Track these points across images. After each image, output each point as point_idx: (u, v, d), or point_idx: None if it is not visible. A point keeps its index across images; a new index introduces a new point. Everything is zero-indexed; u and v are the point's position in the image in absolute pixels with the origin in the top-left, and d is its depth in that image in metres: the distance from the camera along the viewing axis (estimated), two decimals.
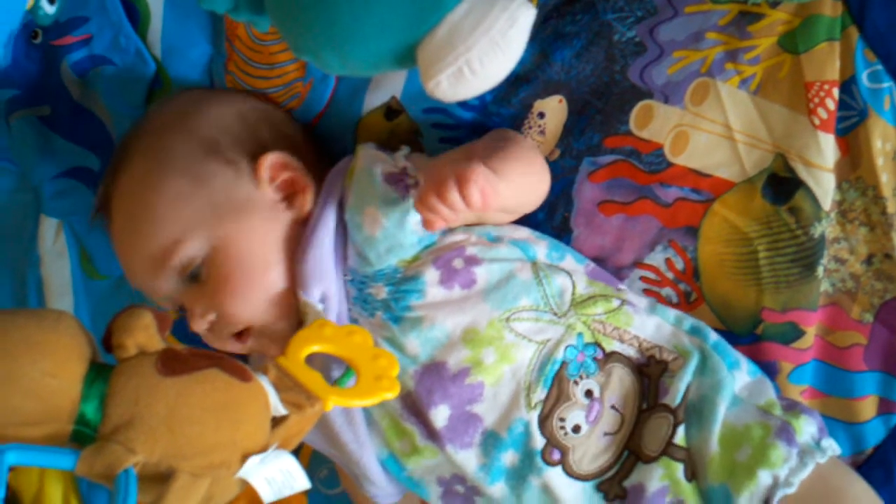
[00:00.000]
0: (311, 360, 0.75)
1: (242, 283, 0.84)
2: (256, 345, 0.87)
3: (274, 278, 0.85)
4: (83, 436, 0.63)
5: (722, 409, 0.82)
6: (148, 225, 0.85)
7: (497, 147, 0.84)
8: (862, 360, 0.89)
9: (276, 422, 0.69)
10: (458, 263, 0.84)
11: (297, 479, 0.67)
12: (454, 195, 0.74)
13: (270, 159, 0.86)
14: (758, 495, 0.79)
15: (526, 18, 0.67)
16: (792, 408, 0.85)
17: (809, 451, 0.82)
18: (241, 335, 0.86)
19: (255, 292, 0.84)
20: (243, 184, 0.86)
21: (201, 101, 0.92)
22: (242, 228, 0.84)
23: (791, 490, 0.80)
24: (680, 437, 0.82)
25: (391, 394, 0.74)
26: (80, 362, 0.64)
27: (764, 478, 0.80)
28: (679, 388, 0.83)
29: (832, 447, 0.83)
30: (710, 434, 0.82)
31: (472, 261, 0.84)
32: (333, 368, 0.81)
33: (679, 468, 0.82)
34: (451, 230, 0.86)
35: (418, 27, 0.66)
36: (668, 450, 0.82)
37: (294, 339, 0.75)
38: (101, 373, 0.64)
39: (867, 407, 0.89)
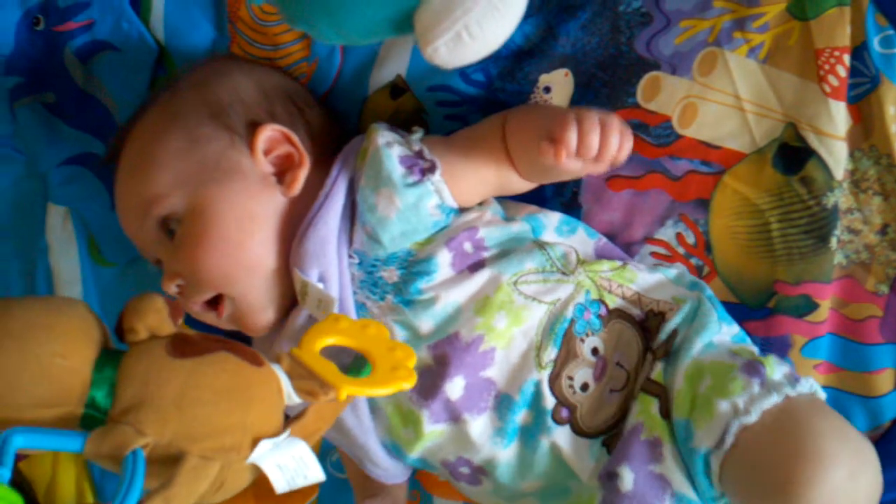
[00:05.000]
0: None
1: (210, 247, 0.82)
2: (230, 319, 0.86)
3: (254, 251, 0.83)
4: (94, 420, 0.62)
5: (697, 348, 0.81)
6: (143, 173, 0.85)
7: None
8: (878, 332, 0.88)
9: (293, 418, 0.68)
10: (468, 248, 0.83)
11: (311, 469, 0.66)
12: (594, 137, 0.76)
13: (268, 131, 0.85)
14: (716, 426, 0.75)
15: None
16: (766, 354, 0.81)
17: (777, 384, 0.76)
18: (214, 303, 0.85)
19: (225, 259, 0.82)
20: (236, 151, 0.85)
21: (225, 68, 0.92)
22: (222, 193, 0.83)
23: (750, 419, 0.74)
24: (657, 373, 0.82)
25: (407, 384, 0.72)
26: (91, 345, 0.64)
27: (722, 406, 0.75)
28: (666, 329, 0.83)
29: (812, 386, 0.78)
30: (679, 369, 0.80)
31: (481, 246, 0.84)
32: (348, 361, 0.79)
33: (654, 403, 0.81)
34: (465, 210, 0.85)
35: None
36: (645, 385, 0.81)
37: (308, 331, 0.73)
38: (111, 358, 0.64)
39: (884, 380, 0.88)
